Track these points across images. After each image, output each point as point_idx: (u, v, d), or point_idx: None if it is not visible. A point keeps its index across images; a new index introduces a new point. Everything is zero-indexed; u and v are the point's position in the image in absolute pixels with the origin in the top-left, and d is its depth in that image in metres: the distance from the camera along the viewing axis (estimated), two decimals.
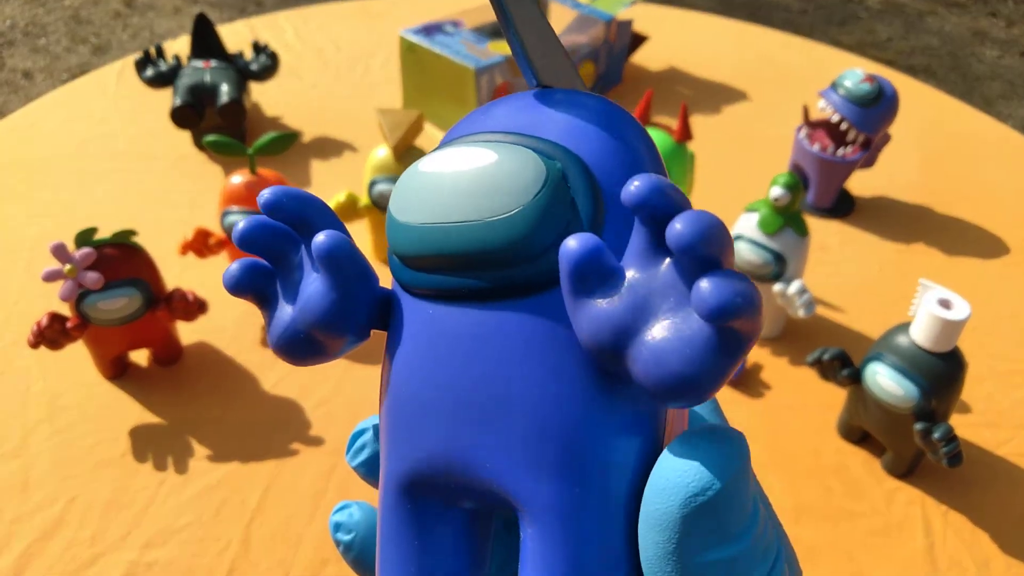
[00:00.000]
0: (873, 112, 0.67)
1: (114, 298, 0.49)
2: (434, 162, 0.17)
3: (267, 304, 0.19)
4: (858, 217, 0.75)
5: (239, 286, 0.19)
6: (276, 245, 0.19)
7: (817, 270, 0.66)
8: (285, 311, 0.19)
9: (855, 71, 0.68)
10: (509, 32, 0.18)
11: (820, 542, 0.47)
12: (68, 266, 0.47)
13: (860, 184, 0.77)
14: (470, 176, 0.17)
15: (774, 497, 0.49)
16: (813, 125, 0.72)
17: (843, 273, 0.68)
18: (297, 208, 0.18)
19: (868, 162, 0.72)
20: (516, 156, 0.16)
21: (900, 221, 0.75)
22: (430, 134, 0.83)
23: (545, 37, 0.19)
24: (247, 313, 0.61)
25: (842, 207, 0.75)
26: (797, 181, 0.53)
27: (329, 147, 0.81)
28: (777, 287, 0.55)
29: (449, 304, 0.17)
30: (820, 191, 0.73)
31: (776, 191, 0.53)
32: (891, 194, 0.78)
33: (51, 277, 0.47)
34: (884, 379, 0.46)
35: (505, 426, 0.16)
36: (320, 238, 0.17)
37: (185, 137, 0.79)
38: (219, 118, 0.75)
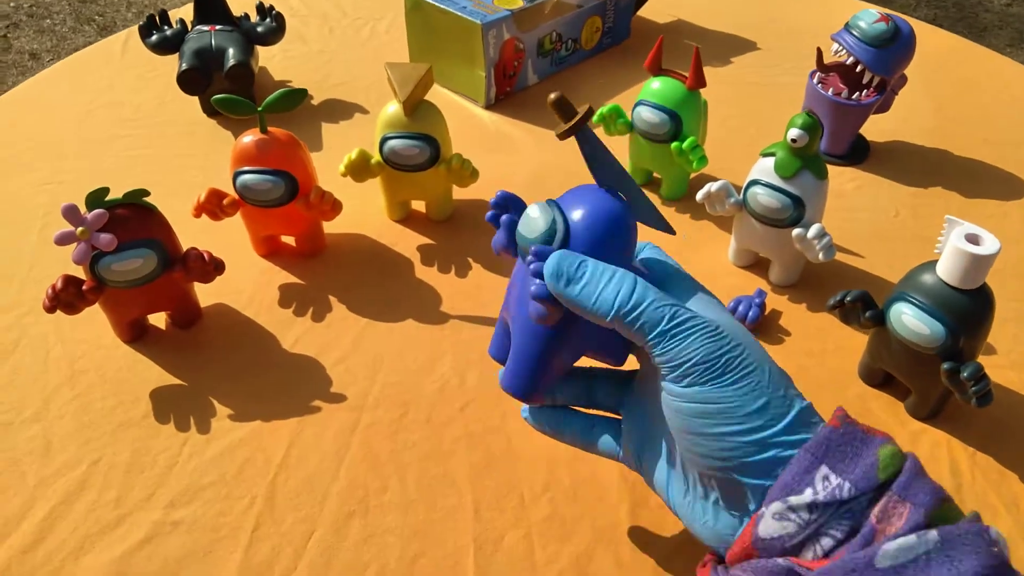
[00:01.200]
0: (889, 53, 0.66)
1: (129, 259, 0.49)
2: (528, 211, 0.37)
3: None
4: (873, 163, 0.74)
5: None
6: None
7: (833, 216, 0.65)
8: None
9: (869, 11, 0.67)
10: (586, 159, 0.37)
11: None
12: (80, 228, 0.47)
13: (874, 130, 0.75)
14: (536, 214, 0.36)
15: None
16: (827, 69, 0.70)
17: (859, 220, 0.67)
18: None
19: (884, 106, 0.70)
20: (547, 210, 0.36)
21: (916, 166, 0.74)
22: (438, 92, 0.82)
23: (603, 158, 0.37)
24: (264, 272, 0.61)
25: (857, 153, 0.74)
26: (815, 121, 0.52)
27: (339, 109, 0.80)
28: (796, 232, 0.54)
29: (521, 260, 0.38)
30: (834, 137, 0.72)
31: (794, 132, 0.52)
32: (906, 139, 0.77)
33: (64, 240, 0.47)
34: (910, 319, 0.45)
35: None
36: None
37: (193, 104, 0.79)
38: (227, 82, 0.74)
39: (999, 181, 0.72)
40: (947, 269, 0.44)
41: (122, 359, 0.54)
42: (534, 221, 0.36)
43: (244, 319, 0.57)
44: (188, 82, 0.73)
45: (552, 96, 0.34)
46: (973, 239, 0.44)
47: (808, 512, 0.30)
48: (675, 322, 0.32)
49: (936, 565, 0.27)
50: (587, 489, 0.47)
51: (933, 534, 0.28)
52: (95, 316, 0.53)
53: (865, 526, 0.29)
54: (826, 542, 0.30)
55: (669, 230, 0.38)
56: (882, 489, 0.30)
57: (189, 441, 0.49)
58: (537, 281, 0.34)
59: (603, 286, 0.33)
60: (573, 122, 0.34)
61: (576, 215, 0.35)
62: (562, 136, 0.35)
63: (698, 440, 0.33)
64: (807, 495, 0.30)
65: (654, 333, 0.32)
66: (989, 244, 0.43)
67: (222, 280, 0.54)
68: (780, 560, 0.30)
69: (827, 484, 0.30)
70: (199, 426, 0.50)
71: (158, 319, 0.56)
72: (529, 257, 0.35)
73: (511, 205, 0.40)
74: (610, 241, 0.35)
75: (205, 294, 0.57)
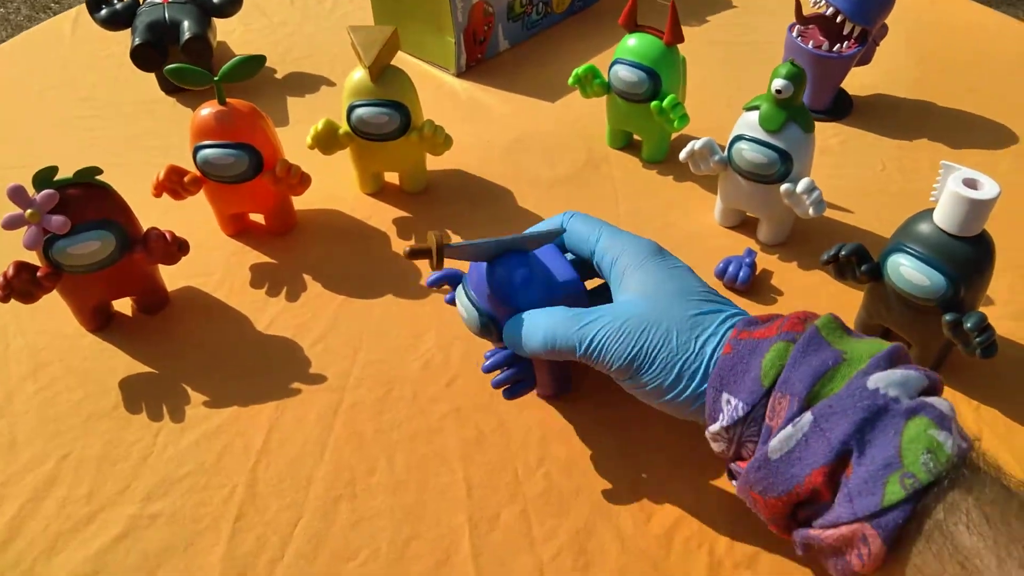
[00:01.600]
0: (870, 1, 0.64)
1: (85, 242, 0.46)
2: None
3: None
4: (857, 118, 0.72)
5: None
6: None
7: (818, 173, 0.63)
8: None
9: None
10: (468, 261, 0.44)
11: None
12: (30, 210, 0.44)
13: (856, 84, 0.74)
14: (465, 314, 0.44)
15: None
16: (806, 21, 0.68)
17: (846, 175, 0.65)
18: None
19: (865, 58, 0.69)
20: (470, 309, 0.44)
21: (901, 119, 0.72)
22: (406, 61, 0.79)
23: (473, 251, 0.42)
24: (234, 253, 0.58)
25: (839, 108, 0.72)
26: (800, 71, 0.50)
27: (303, 82, 0.77)
28: (784, 187, 0.53)
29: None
30: (816, 92, 0.70)
31: (779, 82, 0.50)
32: (889, 91, 0.76)
33: (12, 223, 0.44)
34: (908, 270, 0.44)
35: None
36: None
37: (150, 82, 0.75)
38: (183, 57, 0.71)
39: (986, 130, 0.71)
40: (945, 216, 0.43)
41: (87, 348, 0.51)
42: (468, 321, 0.44)
43: (215, 302, 0.55)
44: (142, 58, 0.70)
45: (404, 252, 0.40)
46: (971, 183, 0.42)
47: (726, 433, 0.35)
48: (586, 346, 0.38)
49: (814, 441, 0.31)
50: (583, 462, 0.45)
51: (807, 416, 0.32)
52: (56, 304, 0.51)
53: (764, 425, 0.34)
54: (750, 447, 0.35)
55: (559, 233, 0.45)
56: (770, 392, 0.34)
57: (163, 431, 0.47)
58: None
59: (529, 339, 0.40)
60: (436, 256, 0.39)
61: (488, 298, 0.43)
62: (437, 267, 0.40)
63: (651, 403, 0.39)
64: (720, 421, 0.35)
65: (579, 355, 0.39)
66: (988, 188, 0.42)
67: (189, 262, 0.52)
68: (731, 465, 0.37)
69: (729, 406, 0.35)
70: (173, 415, 0.47)
71: (123, 305, 0.54)
72: (486, 364, 0.47)
73: (448, 281, 0.50)
74: (520, 294, 0.42)
75: (172, 277, 0.55)
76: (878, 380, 0.32)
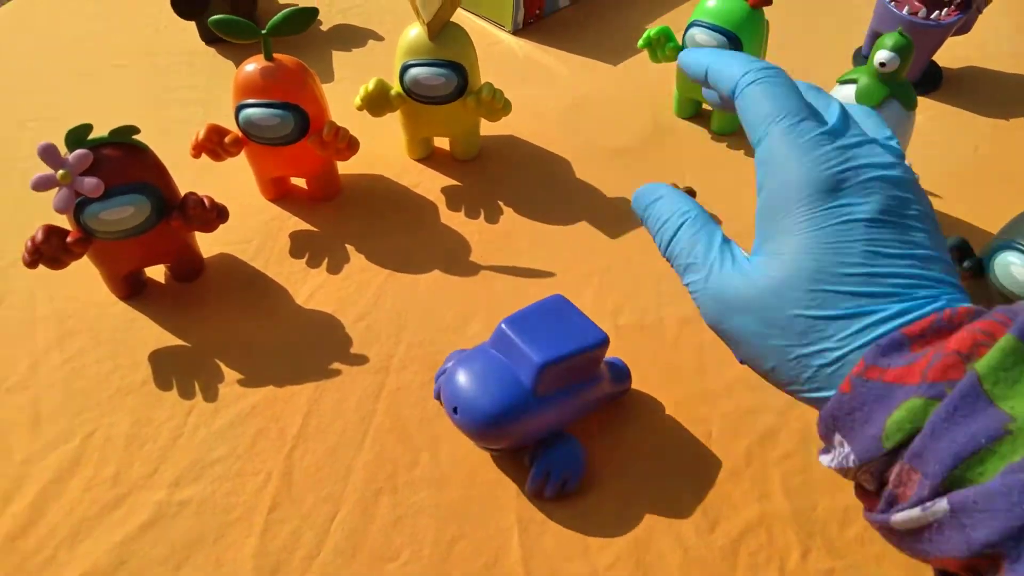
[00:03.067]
0: None
1: (119, 207, 0.42)
2: None
3: None
4: (947, 92, 0.67)
5: None
6: None
7: (906, 152, 0.59)
8: None
9: None
10: None
11: None
12: (61, 171, 0.41)
13: (946, 55, 0.68)
14: None
15: None
16: None
17: (934, 156, 0.60)
18: None
19: (965, 27, 0.63)
20: None
21: (995, 94, 0.66)
22: (458, 16, 0.74)
23: None
24: (273, 219, 0.55)
25: (929, 80, 0.66)
26: (909, 43, 0.45)
27: (351, 35, 0.73)
28: None
29: None
30: None
31: (884, 54, 0.45)
32: (983, 64, 0.69)
33: (43, 184, 0.41)
34: (1020, 270, 0.39)
35: None
36: None
37: (190, 31, 0.71)
38: (226, 5, 0.67)
39: None
40: None
41: (118, 318, 0.48)
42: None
43: (252, 271, 0.51)
44: (184, 5, 0.66)
45: None
46: None
47: (836, 468, 0.28)
48: (685, 278, 0.31)
49: (950, 532, 0.24)
50: (642, 463, 0.42)
51: (942, 504, 0.24)
52: (86, 269, 0.48)
53: (887, 488, 0.26)
54: (867, 487, 0.28)
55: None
56: (894, 454, 0.26)
57: (195, 410, 0.44)
58: None
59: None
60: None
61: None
62: None
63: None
64: (831, 459, 0.28)
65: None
66: None
67: (226, 227, 0.48)
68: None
69: (841, 449, 0.28)
70: (205, 393, 0.45)
71: (156, 271, 0.51)
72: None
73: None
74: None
75: (208, 243, 0.51)
76: None
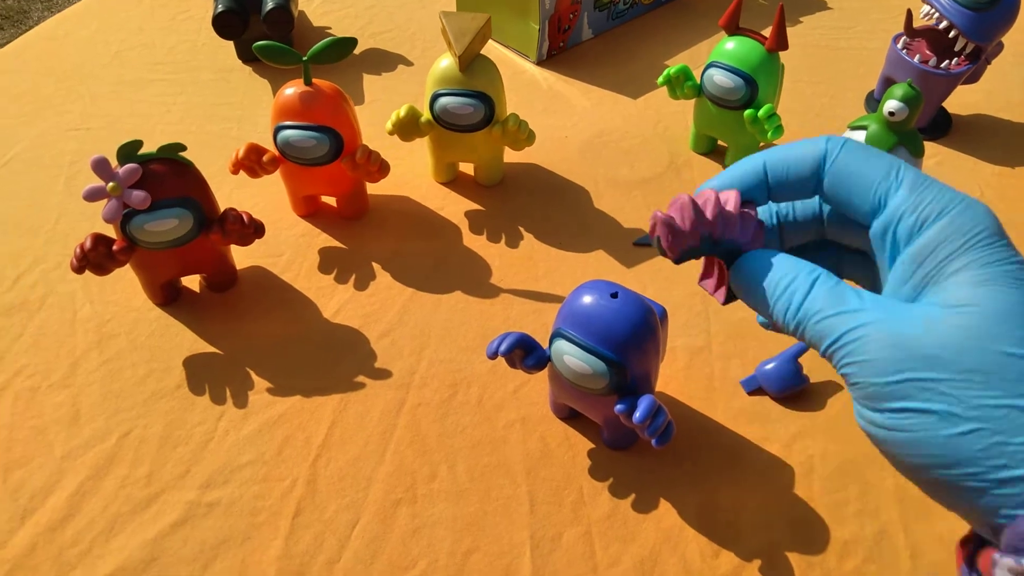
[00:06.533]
0: (988, 17, 0.60)
1: (163, 219, 0.45)
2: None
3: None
4: (955, 138, 0.69)
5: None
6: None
7: None
8: None
9: None
10: None
11: None
12: (112, 184, 0.43)
13: (956, 102, 0.70)
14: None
15: None
16: (914, 34, 0.65)
17: None
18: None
19: (974, 76, 0.65)
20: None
21: (1002, 142, 0.68)
22: (489, 47, 0.76)
23: None
24: (304, 234, 0.57)
25: (938, 127, 0.69)
26: (918, 94, 0.47)
27: (382, 60, 0.76)
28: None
29: None
30: None
31: (893, 104, 0.47)
32: (991, 112, 0.71)
33: (93, 196, 0.43)
34: None
35: None
36: None
37: (228, 49, 0.74)
38: (264, 27, 0.69)
39: None
40: None
41: (154, 323, 0.51)
42: (587, 376, 0.40)
43: (282, 284, 0.54)
44: (224, 25, 0.69)
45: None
46: None
47: None
48: (836, 355, 0.25)
49: None
50: (652, 484, 0.44)
51: None
52: (126, 275, 0.50)
53: None
54: None
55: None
56: None
57: (225, 415, 0.46)
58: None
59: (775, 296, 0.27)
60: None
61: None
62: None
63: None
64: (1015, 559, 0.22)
65: (822, 354, 0.26)
66: None
67: (259, 241, 0.50)
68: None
69: None
70: (236, 399, 0.47)
71: (191, 280, 0.53)
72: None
73: (520, 346, 0.41)
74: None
75: (241, 255, 0.54)
76: None
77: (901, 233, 0.25)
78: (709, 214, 0.27)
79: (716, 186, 0.28)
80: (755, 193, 0.28)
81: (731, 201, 0.27)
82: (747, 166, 0.28)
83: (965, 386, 0.22)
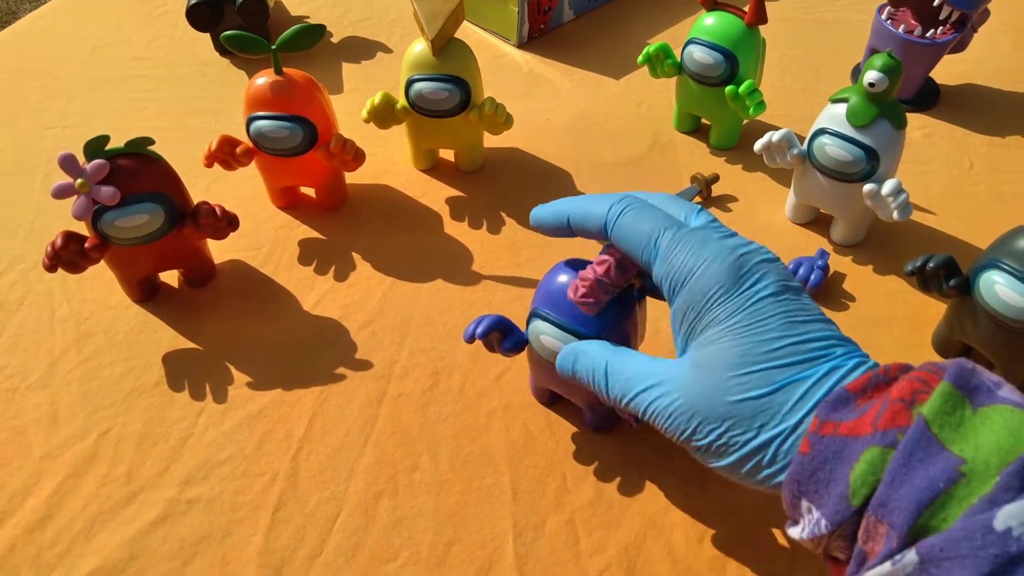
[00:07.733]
0: None
1: (134, 214, 0.44)
2: None
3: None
4: (943, 109, 0.68)
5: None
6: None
7: (899, 169, 0.60)
8: None
9: None
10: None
11: None
12: (79, 180, 0.42)
13: (944, 72, 0.69)
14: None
15: None
16: (898, 4, 0.64)
17: (929, 172, 0.61)
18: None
19: (960, 45, 0.64)
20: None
21: (992, 112, 0.67)
22: (463, 29, 0.76)
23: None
24: (283, 227, 0.56)
25: (926, 98, 0.68)
26: (898, 64, 0.46)
27: (359, 48, 0.75)
28: (868, 187, 0.49)
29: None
30: (902, 80, 0.65)
31: (873, 75, 0.46)
32: (980, 81, 0.70)
33: (62, 193, 0.43)
34: (1004, 289, 0.40)
35: None
36: None
37: (205, 42, 0.73)
38: (239, 18, 0.69)
39: None
40: None
41: (132, 320, 0.50)
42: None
43: (261, 277, 0.53)
44: (198, 17, 0.68)
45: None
46: None
47: (808, 539, 0.29)
48: (638, 412, 0.34)
49: None
50: (636, 471, 0.43)
51: (911, 555, 0.24)
52: (103, 273, 0.49)
53: (857, 547, 0.27)
54: (839, 554, 0.28)
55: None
56: (861, 513, 0.27)
57: (205, 411, 0.46)
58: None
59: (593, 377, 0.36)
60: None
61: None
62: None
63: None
64: (800, 530, 0.29)
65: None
66: None
67: (237, 234, 0.50)
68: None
69: (810, 516, 0.28)
70: (215, 395, 0.46)
71: (170, 276, 0.52)
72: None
73: (497, 329, 0.42)
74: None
75: (219, 249, 0.53)
76: (1010, 517, 0.23)
77: (667, 293, 0.33)
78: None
79: (536, 225, 0.39)
80: (563, 234, 0.37)
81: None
82: (558, 213, 0.37)
83: (727, 427, 0.30)
